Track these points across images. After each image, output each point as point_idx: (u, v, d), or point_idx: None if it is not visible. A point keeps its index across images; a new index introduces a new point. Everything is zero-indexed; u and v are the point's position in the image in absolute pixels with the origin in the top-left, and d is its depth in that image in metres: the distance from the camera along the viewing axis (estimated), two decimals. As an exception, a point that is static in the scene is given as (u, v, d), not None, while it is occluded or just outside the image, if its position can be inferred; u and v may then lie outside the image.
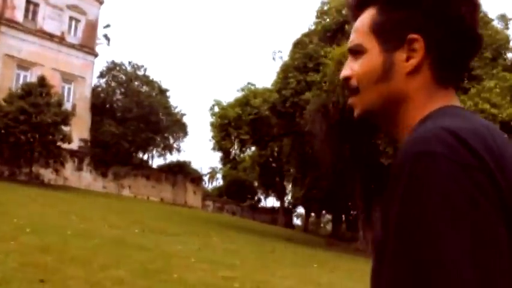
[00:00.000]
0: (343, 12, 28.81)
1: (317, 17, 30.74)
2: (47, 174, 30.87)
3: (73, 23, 38.19)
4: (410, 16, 0.84)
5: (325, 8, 30.19)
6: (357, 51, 0.89)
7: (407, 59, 0.84)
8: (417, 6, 0.84)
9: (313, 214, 57.64)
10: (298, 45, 29.77)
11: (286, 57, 31.04)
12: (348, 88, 0.92)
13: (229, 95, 67.26)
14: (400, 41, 0.84)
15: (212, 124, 32.48)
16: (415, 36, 0.83)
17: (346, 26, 27.40)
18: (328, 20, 29.67)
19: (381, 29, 0.87)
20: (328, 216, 61.47)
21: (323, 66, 26.13)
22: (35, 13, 36.14)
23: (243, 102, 31.74)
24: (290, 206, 56.14)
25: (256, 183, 56.30)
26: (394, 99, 0.86)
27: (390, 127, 0.90)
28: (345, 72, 0.91)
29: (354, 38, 0.90)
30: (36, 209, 14.86)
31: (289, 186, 54.53)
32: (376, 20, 0.87)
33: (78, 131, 34.55)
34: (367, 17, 0.89)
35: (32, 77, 33.38)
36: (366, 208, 29.16)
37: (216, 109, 32.83)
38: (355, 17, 0.93)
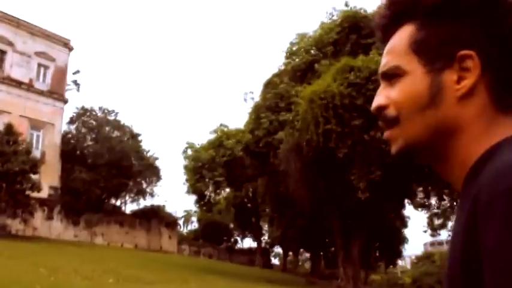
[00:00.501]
0: (312, 51, 29.43)
1: (286, 58, 31.30)
2: (15, 224, 29.74)
3: (41, 69, 37.84)
4: (460, 30, 0.72)
5: (294, 48, 30.80)
6: (393, 75, 0.76)
7: (459, 80, 0.71)
8: (468, 18, 0.72)
9: (290, 253, 57.02)
10: (269, 85, 30.14)
11: (257, 98, 31.34)
12: (383, 119, 0.78)
13: (202, 137, 67.30)
14: (449, 59, 0.72)
15: (186, 167, 32.23)
16: (467, 52, 0.71)
17: (316, 65, 27.95)
18: (297, 60, 30.22)
19: (425, 47, 0.74)
20: (306, 255, 60.88)
21: (295, 105, 26.40)
22: (2, 60, 35.71)
23: (216, 144, 31.70)
24: (267, 246, 55.47)
25: (232, 225, 55.62)
26: (444, 129, 0.72)
27: (438, 163, 0.76)
28: (379, 100, 0.78)
29: (388, 60, 0.78)
30: (2, 262, 14.14)
31: (265, 226, 54.04)
32: (417, 37, 0.75)
33: (48, 179, 33.62)
34: (403, 35, 0.77)
35: (-2, 125, 32.64)
36: (345, 244, 28.96)
37: (189, 152, 32.67)
38: (386, 38, 0.81)
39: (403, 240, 51.12)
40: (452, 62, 0.72)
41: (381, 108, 0.77)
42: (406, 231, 49.24)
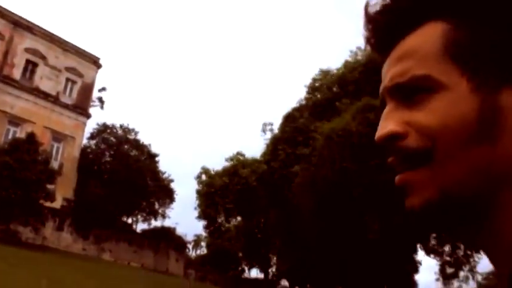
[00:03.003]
0: (334, 89, 29.67)
1: (308, 93, 31.61)
2: (26, 232, 30.00)
3: (69, 84, 38.84)
4: None
5: (316, 84, 31.11)
6: (417, 90, 0.51)
7: None
8: None
9: (297, 287, 56.09)
10: (288, 118, 30.38)
11: (276, 130, 31.56)
12: (400, 154, 0.52)
13: (218, 163, 67.54)
14: (509, 73, 0.50)
15: (198, 192, 32.39)
16: None
17: (337, 103, 28.12)
18: (318, 96, 30.47)
19: (471, 53, 0.51)
20: (313, 292, 59.80)
21: (313, 140, 26.49)
22: (33, 72, 36.78)
23: (231, 172, 31.89)
24: (274, 278, 54.69)
25: (240, 254, 55.17)
26: (500, 176, 0.48)
27: (479, 227, 0.51)
28: (391, 126, 0.52)
29: (408, 68, 0.53)
30: (4, 269, 14.21)
31: (274, 258, 53.46)
32: (457, 38, 0.52)
33: (63, 191, 34.06)
34: (431, 34, 0.53)
35: (21, 133, 33.38)
36: (353, 285, 28.46)
37: (204, 177, 32.85)
38: (388, 42, 0.57)
39: (413, 285, 49.92)
40: None
41: (395, 138, 0.52)
42: (417, 276, 47.95)
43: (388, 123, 0.52)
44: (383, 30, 0.57)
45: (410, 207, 0.51)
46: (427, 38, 0.53)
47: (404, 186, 0.52)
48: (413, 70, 0.52)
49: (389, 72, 0.55)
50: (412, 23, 0.55)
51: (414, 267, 46.02)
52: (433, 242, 32.89)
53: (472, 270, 32.93)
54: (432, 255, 34.07)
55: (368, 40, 0.60)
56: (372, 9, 0.58)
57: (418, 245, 33.39)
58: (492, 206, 0.49)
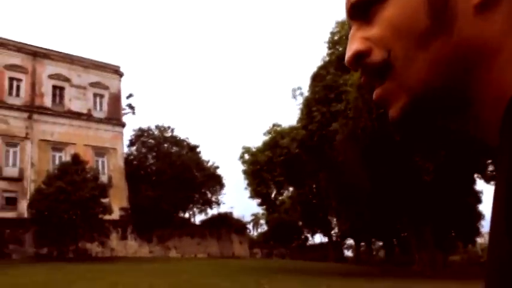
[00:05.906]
0: (355, 38, 28.97)
1: (329, 48, 30.97)
2: (94, 247, 31.27)
3: (97, 98, 39.65)
4: None
5: (336, 37, 30.44)
6: (369, 3, 0.51)
7: None
8: None
9: (363, 243, 56.13)
10: (316, 78, 29.92)
11: (306, 93, 31.19)
12: (367, 71, 0.52)
13: (257, 139, 67.60)
14: None
15: (245, 172, 32.59)
16: None
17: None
18: (340, 48, 29.82)
19: None
20: (380, 243, 59.73)
21: (345, 94, 26.09)
22: (61, 96, 37.77)
23: (272, 145, 31.82)
24: (338, 239, 54.89)
25: (300, 223, 55.53)
26: (462, 60, 0.46)
27: (462, 114, 0.50)
28: (355, 46, 0.52)
29: None
30: (84, 284, 14.92)
31: (334, 220, 53.54)
32: None
33: (117, 201, 35.13)
34: None
35: (66, 156, 34.49)
36: (417, 229, 28.21)
37: (246, 156, 32.99)
38: None
39: (479, 216, 49.08)
40: None
41: (361, 57, 0.52)
42: (481, 207, 46.97)
43: (352, 45, 0.52)
44: None
45: (391, 119, 0.51)
46: None
47: (381, 101, 0.52)
48: None
49: None
50: None
51: (476, 198, 45.15)
52: (490, 168, 31.98)
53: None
54: (492, 182, 33.17)
55: None
56: None
57: (476, 175, 32.58)
58: (470, 90, 0.47)
